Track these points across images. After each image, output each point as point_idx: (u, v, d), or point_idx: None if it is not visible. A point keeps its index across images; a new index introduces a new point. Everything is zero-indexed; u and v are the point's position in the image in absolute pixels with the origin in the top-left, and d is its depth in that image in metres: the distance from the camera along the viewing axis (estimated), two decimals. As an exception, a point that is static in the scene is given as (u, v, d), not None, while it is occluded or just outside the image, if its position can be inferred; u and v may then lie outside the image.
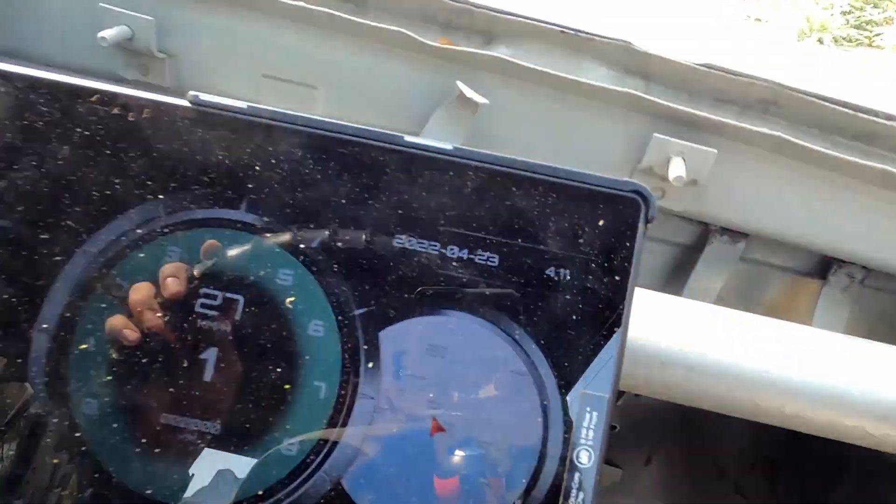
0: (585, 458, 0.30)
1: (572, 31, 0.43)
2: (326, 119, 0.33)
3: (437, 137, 0.41)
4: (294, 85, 0.47)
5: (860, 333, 0.44)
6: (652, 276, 0.52)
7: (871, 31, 3.21)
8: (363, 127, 0.33)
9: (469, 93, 0.42)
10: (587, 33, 0.43)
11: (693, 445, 0.91)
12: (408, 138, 0.32)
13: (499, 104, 0.43)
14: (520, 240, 0.31)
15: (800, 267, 0.51)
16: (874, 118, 0.42)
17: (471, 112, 0.43)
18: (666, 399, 0.39)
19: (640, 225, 0.31)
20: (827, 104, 0.42)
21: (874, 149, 0.44)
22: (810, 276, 0.51)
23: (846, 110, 0.42)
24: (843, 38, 3.18)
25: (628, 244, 0.31)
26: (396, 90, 0.45)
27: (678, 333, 0.38)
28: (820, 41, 3.12)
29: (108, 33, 0.44)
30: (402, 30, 0.43)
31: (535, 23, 0.44)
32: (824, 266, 0.50)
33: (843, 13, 3.26)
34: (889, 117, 0.42)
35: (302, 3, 0.43)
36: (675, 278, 0.52)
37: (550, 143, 0.45)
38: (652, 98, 0.42)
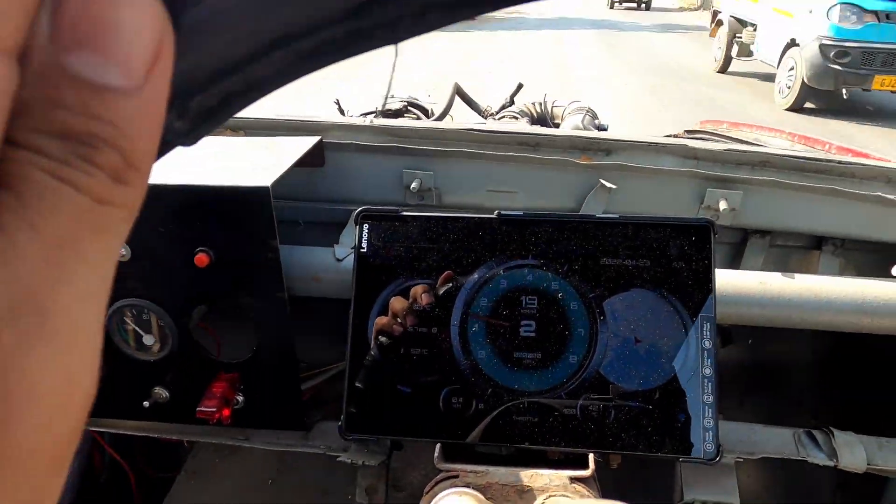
0: (708, 343, 0.68)
1: (652, 143, 0.83)
2: (559, 212, 0.72)
3: (591, 210, 0.81)
4: (505, 192, 0.87)
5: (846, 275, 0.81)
6: (721, 263, 0.90)
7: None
8: (577, 214, 0.73)
9: (607, 184, 0.82)
10: (661, 144, 0.82)
11: (775, 385, 1.23)
12: (598, 214, 0.72)
13: (621, 187, 0.83)
14: (658, 251, 0.70)
15: (804, 244, 0.88)
16: (825, 162, 0.80)
17: (607, 193, 0.83)
18: (747, 323, 0.75)
19: (712, 237, 0.69)
20: (792, 158, 0.80)
21: (826, 177, 0.81)
22: (811, 249, 0.88)
23: (805, 160, 0.80)
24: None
25: (708, 246, 0.69)
26: (563, 188, 0.86)
27: (747, 287, 0.75)
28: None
29: (414, 184, 0.85)
30: (565, 157, 0.83)
31: (630, 141, 0.83)
32: (818, 241, 0.87)
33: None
34: (832, 161, 0.80)
35: (512, 153, 0.84)
36: (733, 263, 0.90)
37: (652, 204, 0.84)
38: (702, 171, 0.81)
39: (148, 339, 0.78)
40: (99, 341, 0.15)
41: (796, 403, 1.20)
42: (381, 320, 0.71)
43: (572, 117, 1.88)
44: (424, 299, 0.70)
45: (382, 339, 0.70)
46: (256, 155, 0.80)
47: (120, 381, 0.81)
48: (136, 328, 0.79)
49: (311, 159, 0.86)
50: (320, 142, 0.85)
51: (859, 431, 0.78)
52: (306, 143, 0.83)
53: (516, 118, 2.04)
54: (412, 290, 0.70)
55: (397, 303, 0.71)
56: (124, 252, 0.73)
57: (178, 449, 1.19)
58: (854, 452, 0.74)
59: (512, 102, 2.21)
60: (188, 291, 0.75)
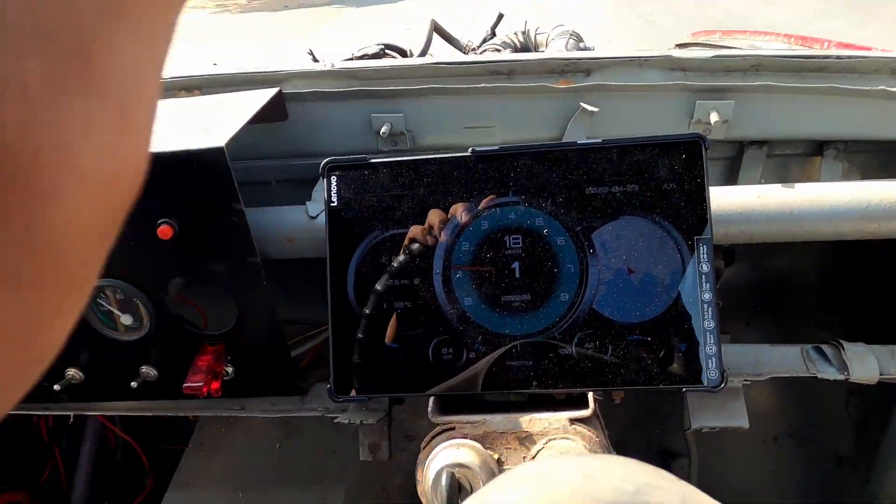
0: (706, 267, 0.64)
1: (634, 58, 0.76)
2: (538, 143, 0.67)
3: (574, 138, 0.76)
4: (483, 128, 0.82)
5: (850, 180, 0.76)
6: (717, 180, 0.85)
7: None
8: (556, 142, 0.68)
9: (588, 107, 0.76)
10: (643, 58, 0.76)
11: (780, 302, 1.20)
12: (579, 141, 0.66)
13: (603, 110, 0.77)
14: (647, 174, 0.65)
15: (803, 151, 0.83)
16: (823, 59, 0.73)
17: (590, 118, 0.77)
18: (747, 241, 0.71)
19: (703, 152, 0.64)
20: (786, 58, 0.74)
21: (826, 74, 0.75)
22: (811, 156, 0.82)
23: (801, 59, 0.74)
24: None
25: (700, 163, 0.64)
26: (543, 117, 0.80)
27: (744, 203, 0.70)
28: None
29: (384, 129, 0.80)
30: (542, 83, 0.77)
31: (610, 58, 0.77)
32: (819, 147, 0.81)
33: None
34: (829, 56, 0.73)
35: (485, 84, 0.78)
36: (730, 179, 0.85)
37: (639, 125, 0.79)
38: (690, 82, 0.75)
39: (126, 319, 0.76)
40: (152, 116, 0.15)
41: (804, 319, 1.17)
42: (416, 229, 0.67)
43: (556, 42, 1.79)
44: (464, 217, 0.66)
45: (415, 246, 0.67)
46: (210, 114, 0.75)
47: (105, 363, 0.78)
48: (112, 309, 0.76)
49: (271, 113, 0.81)
50: (279, 93, 0.80)
51: (870, 342, 0.75)
52: (263, 95, 0.77)
53: (499, 51, 1.94)
54: (451, 209, 0.66)
55: (435, 215, 0.67)
56: None
57: (185, 422, 1.19)
58: (865, 363, 0.71)
59: (493, 34, 2.10)
60: (158, 266, 0.72)
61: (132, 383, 0.77)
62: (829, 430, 1.20)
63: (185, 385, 0.73)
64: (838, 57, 0.73)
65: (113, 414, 0.88)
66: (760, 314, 1.19)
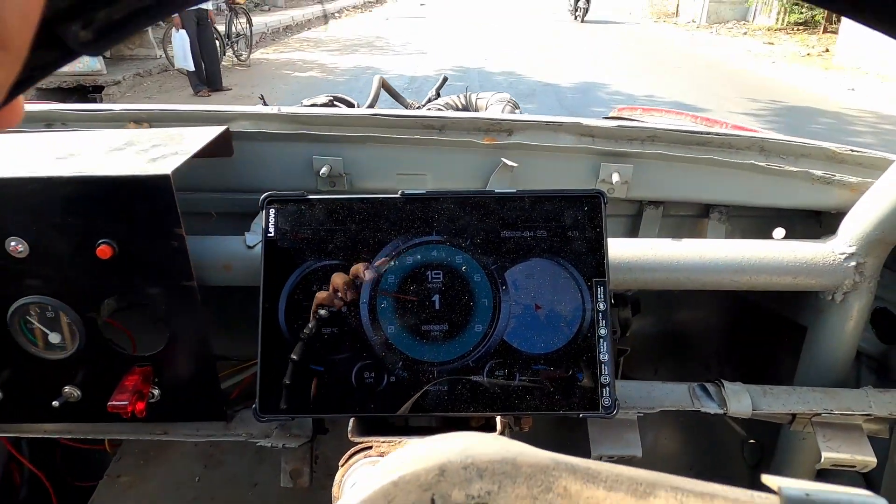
0: (602, 305, 0.72)
1: (550, 122, 0.87)
2: (460, 190, 0.75)
3: (496, 188, 0.85)
4: (414, 175, 0.90)
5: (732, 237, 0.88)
6: (620, 234, 0.95)
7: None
8: (476, 190, 0.76)
9: (509, 162, 0.85)
10: (557, 123, 0.87)
11: (684, 353, 1.31)
12: (497, 190, 0.75)
13: (522, 166, 0.87)
14: (554, 222, 0.74)
15: (694, 213, 0.95)
16: (705, 135, 0.86)
17: (510, 171, 0.87)
18: (641, 287, 0.81)
19: (602, 206, 0.74)
20: (676, 132, 0.86)
21: (708, 148, 0.88)
22: (700, 217, 0.94)
23: (687, 133, 0.86)
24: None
25: (600, 214, 0.73)
26: (469, 169, 0.89)
27: (639, 253, 0.80)
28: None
29: (323, 170, 0.87)
30: (469, 139, 0.86)
31: (529, 121, 0.88)
32: (706, 209, 0.94)
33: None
34: (710, 133, 0.86)
35: (419, 136, 0.87)
36: (631, 234, 0.95)
37: (551, 180, 0.89)
38: (597, 147, 0.86)
39: (54, 338, 0.77)
40: None
41: (704, 365, 1.29)
42: (322, 295, 0.72)
43: (494, 107, 1.93)
44: (367, 276, 0.72)
45: (323, 312, 0.71)
46: (159, 145, 0.80)
47: (27, 383, 0.79)
48: (41, 327, 0.77)
49: (218, 149, 0.86)
50: (227, 131, 0.85)
51: (750, 382, 0.85)
52: (211, 132, 0.83)
53: (441, 110, 2.07)
54: (353, 269, 0.72)
55: (339, 278, 0.72)
56: (21, 248, 0.72)
57: (101, 455, 1.16)
58: (741, 401, 0.81)
59: (438, 95, 2.24)
60: (93, 286, 0.74)
61: (54, 402, 0.78)
62: (727, 472, 1.29)
63: (110, 403, 0.74)
64: (717, 134, 0.86)
65: (29, 436, 0.86)
66: (666, 361, 1.30)
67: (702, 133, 0.86)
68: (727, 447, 1.31)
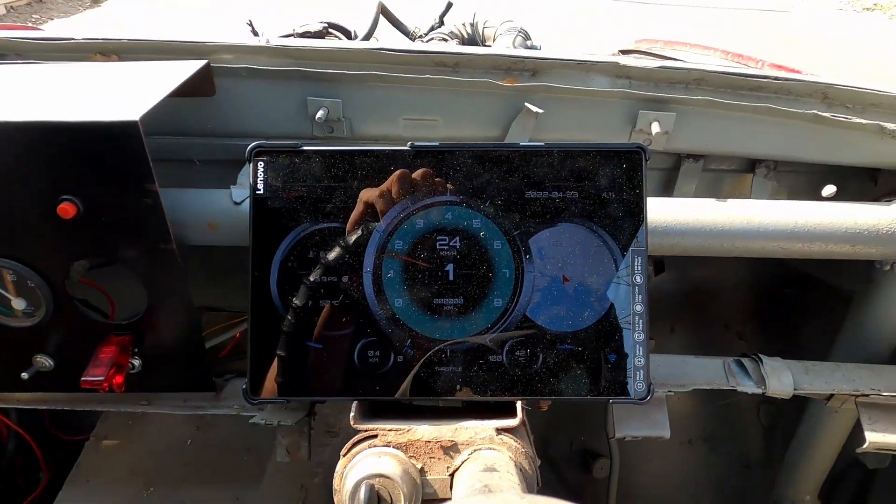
0: (640, 279, 0.63)
1: (582, 62, 0.75)
2: (480, 142, 0.65)
3: (517, 138, 0.74)
4: (424, 121, 0.79)
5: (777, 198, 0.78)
6: (653, 191, 0.85)
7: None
8: (499, 143, 0.66)
9: (533, 108, 0.74)
10: (591, 62, 0.75)
11: (703, 311, 1.24)
12: (522, 143, 0.64)
13: (547, 112, 0.76)
14: (587, 181, 0.64)
15: (736, 167, 0.84)
16: (762, 79, 0.75)
17: (534, 119, 0.75)
18: (679, 253, 0.72)
19: (644, 163, 0.63)
20: (728, 75, 0.75)
21: (763, 94, 0.76)
22: (744, 172, 0.84)
23: (741, 77, 0.75)
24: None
25: (640, 173, 0.63)
26: (486, 114, 0.78)
27: (678, 216, 0.71)
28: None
29: (319, 114, 0.75)
30: (487, 80, 0.75)
31: (558, 60, 0.76)
32: (751, 164, 0.83)
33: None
34: (768, 77, 0.74)
35: (428, 76, 0.75)
36: (665, 190, 0.85)
37: (581, 129, 0.78)
38: (635, 91, 0.74)
39: (18, 303, 0.68)
40: None
41: (724, 328, 1.22)
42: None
43: (503, 37, 1.77)
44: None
45: (347, 240, 0.63)
46: (128, 84, 0.68)
47: None
48: (4, 292, 0.68)
49: (197, 88, 0.75)
50: (207, 66, 0.73)
51: (783, 356, 0.78)
52: (189, 67, 0.71)
53: (445, 40, 1.91)
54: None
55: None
56: None
57: (87, 412, 1.11)
58: (781, 379, 0.74)
59: (441, 23, 2.07)
60: (58, 247, 0.65)
61: (23, 374, 0.70)
62: (740, 436, 1.25)
63: (83, 378, 0.67)
64: (776, 78, 0.75)
65: (2, 406, 0.80)
66: (684, 322, 1.23)
67: (757, 77, 0.74)
68: (741, 407, 1.27)
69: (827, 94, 0.75)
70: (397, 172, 0.63)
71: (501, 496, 0.49)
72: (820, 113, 0.74)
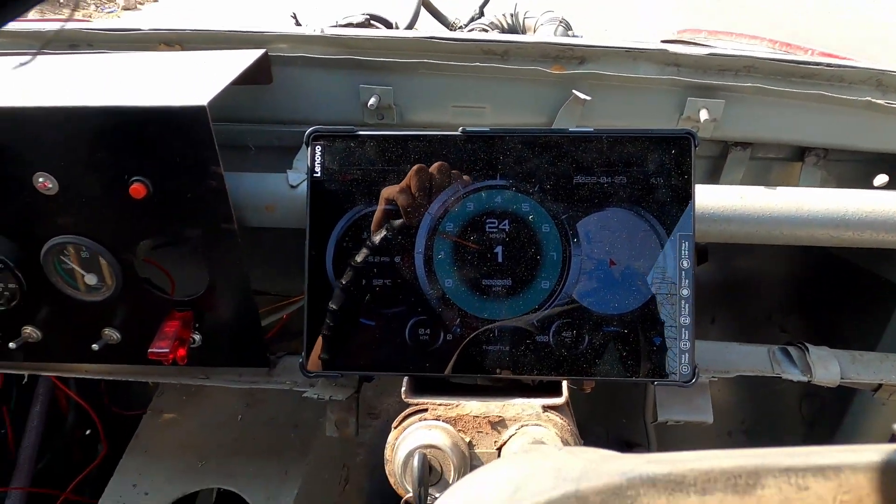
0: (686, 263, 0.64)
1: (629, 49, 0.76)
2: (529, 128, 0.66)
3: (563, 125, 0.76)
4: (472, 108, 0.81)
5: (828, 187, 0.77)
6: (700, 178, 0.85)
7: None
8: (548, 128, 0.67)
9: (581, 95, 0.75)
10: (639, 49, 0.75)
11: (746, 302, 1.23)
12: (571, 129, 0.66)
13: (596, 99, 0.77)
14: (635, 166, 0.65)
15: (785, 155, 0.84)
16: (814, 66, 0.74)
17: (581, 106, 0.77)
18: (726, 240, 0.72)
19: (693, 149, 0.64)
20: (778, 62, 0.74)
21: (814, 81, 0.76)
22: (792, 160, 0.83)
23: (792, 64, 0.74)
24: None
25: (689, 159, 0.64)
26: (534, 102, 0.79)
27: (726, 203, 0.71)
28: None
29: (371, 101, 0.78)
30: (535, 67, 0.76)
31: (605, 48, 0.76)
32: (800, 153, 0.83)
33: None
34: (820, 63, 0.74)
35: (477, 64, 0.77)
36: (712, 178, 0.85)
37: (628, 117, 0.78)
38: (683, 79, 0.75)
39: (90, 279, 0.72)
40: None
41: (766, 318, 1.21)
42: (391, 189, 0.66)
43: (544, 28, 1.77)
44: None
45: (398, 222, 0.65)
46: (192, 72, 0.72)
47: (65, 323, 0.75)
48: (77, 268, 0.73)
49: (256, 76, 0.78)
50: (265, 55, 0.76)
51: (819, 340, 0.78)
52: (249, 56, 0.74)
53: (486, 30, 1.92)
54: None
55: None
56: (51, 185, 0.66)
57: (145, 387, 1.16)
58: (828, 367, 0.73)
59: (482, 14, 2.08)
60: (128, 226, 0.69)
61: (94, 346, 0.74)
62: (781, 428, 1.24)
63: (150, 350, 0.71)
64: (828, 65, 0.74)
65: (69, 376, 0.85)
66: (725, 312, 1.22)
67: (809, 63, 0.74)
68: (782, 399, 1.25)
69: (881, 81, 0.74)
70: (436, 164, 0.65)
71: (542, 448, 0.51)
72: (874, 100, 0.73)
